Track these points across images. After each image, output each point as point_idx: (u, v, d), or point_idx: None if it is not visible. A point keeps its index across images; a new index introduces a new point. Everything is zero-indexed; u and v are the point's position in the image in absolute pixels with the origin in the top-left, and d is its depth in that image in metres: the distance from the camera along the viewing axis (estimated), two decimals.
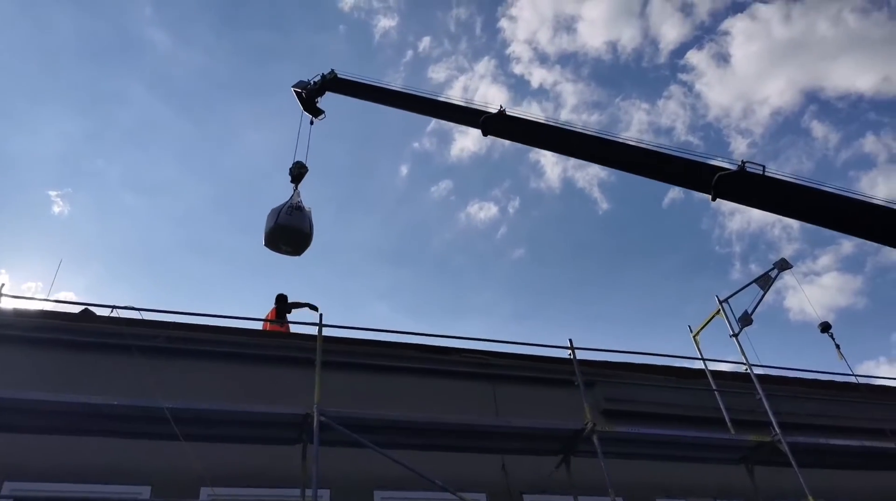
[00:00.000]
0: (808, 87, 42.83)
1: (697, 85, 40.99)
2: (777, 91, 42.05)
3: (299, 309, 11.18)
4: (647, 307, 40.51)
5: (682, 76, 40.46)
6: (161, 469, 6.55)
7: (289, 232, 11.30)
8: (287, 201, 11.67)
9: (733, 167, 8.24)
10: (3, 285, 6.42)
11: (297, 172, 12.49)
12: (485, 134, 10.88)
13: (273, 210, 11.42)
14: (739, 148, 40.06)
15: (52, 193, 35.84)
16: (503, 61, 41.43)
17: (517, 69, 41.04)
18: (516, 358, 8.99)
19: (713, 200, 8.38)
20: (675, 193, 38.35)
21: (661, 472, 8.09)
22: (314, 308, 11.16)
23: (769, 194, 8.10)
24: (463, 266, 42.31)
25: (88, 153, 37.60)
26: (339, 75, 13.48)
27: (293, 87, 13.84)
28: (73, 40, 34.69)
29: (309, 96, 13.67)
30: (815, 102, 40.69)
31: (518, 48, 41.27)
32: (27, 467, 6.37)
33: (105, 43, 35.47)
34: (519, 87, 41.84)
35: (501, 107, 10.60)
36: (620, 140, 9.67)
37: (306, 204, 11.88)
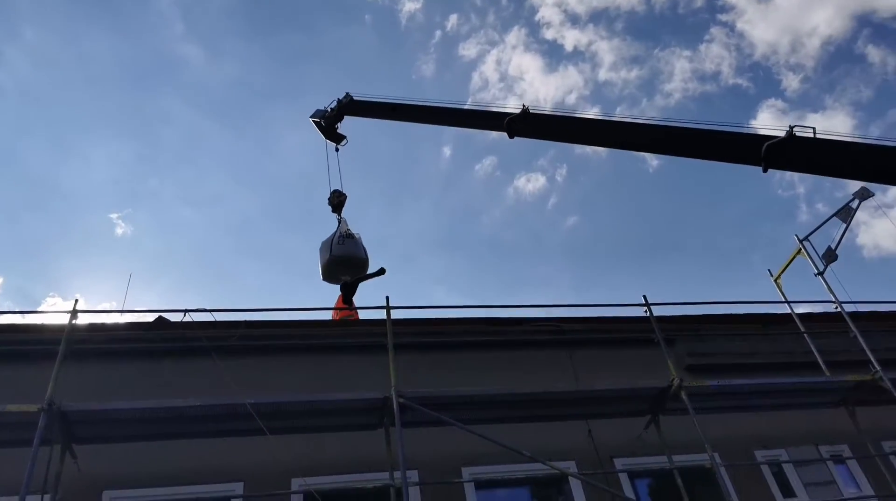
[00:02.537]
0: (858, 11, 40.40)
1: (739, 24, 39.39)
2: (825, 19, 40.00)
3: (370, 281, 11.26)
4: (713, 261, 39.46)
5: (722, 17, 38.94)
6: (251, 464, 6.62)
7: (345, 261, 11.21)
8: (335, 232, 11.57)
9: (781, 134, 7.74)
10: (76, 301, 6.57)
11: (337, 201, 12.41)
12: (511, 136, 10.47)
13: (324, 243, 11.33)
14: (792, 84, 38.40)
15: (114, 215, 37.16)
16: (534, 28, 40.64)
17: (549, 34, 40.21)
18: (589, 322, 8.74)
19: (764, 171, 7.90)
20: None
21: (756, 423, 7.80)
22: (383, 272, 11.30)
23: (824, 158, 7.58)
24: (516, 241, 41.96)
25: (142, 174, 38.80)
26: (354, 97, 13.23)
27: (311, 117, 13.70)
28: (112, 67, 35.75)
29: (328, 124, 13.49)
30: (868, 25, 38.38)
31: (547, 12, 40.44)
32: (123, 475, 6.53)
33: (143, 65, 36.46)
34: (553, 52, 41.06)
35: (525, 106, 10.15)
36: (655, 123, 9.22)
37: (354, 229, 11.81)
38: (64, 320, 6.44)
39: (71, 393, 5.97)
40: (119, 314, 7.65)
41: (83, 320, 6.77)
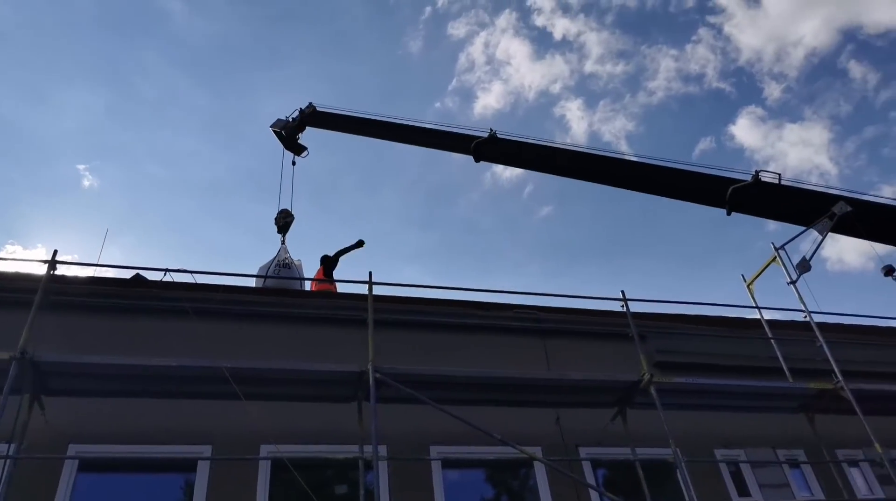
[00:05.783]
0: (845, 25, 41.03)
1: (727, 27, 39.79)
2: (812, 31, 40.53)
3: (349, 254, 11.04)
4: (681, 260, 40.04)
5: (711, 19, 39.28)
6: (221, 427, 6.61)
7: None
8: (273, 258, 10.94)
9: (746, 179, 7.83)
10: (55, 251, 6.44)
11: (283, 222, 11.68)
12: (477, 160, 10.31)
13: (261, 268, 10.75)
14: (773, 93, 38.95)
15: (81, 166, 36.35)
16: (525, 13, 40.57)
17: (539, 21, 40.21)
18: (566, 312, 8.87)
19: (728, 214, 8.00)
20: (705, 143, 37.53)
21: (718, 423, 8.00)
22: (361, 244, 11.07)
23: (789, 204, 7.66)
24: (491, 227, 42.11)
25: (113, 126, 37.94)
26: (317, 108, 12.91)
27: (271, 126, 13.28)
28: (90, 12, 34.73)
29: (289, 134, 13.12)
30: (853, 41, 39.06)
31: None
32: (90, 429, 6.47)
33: (122, 12, 35.48)
34: (542, 39, 41.04)
35: (492, 130, 9.99)
36: (623, 158, 9.47)
37: (295, 255, 11.25)
38: (41, 269, 6.35)
39: (44, 344, 5.89)
40: (95, 268, 7.50)
41: (60, 271, 6.64)
